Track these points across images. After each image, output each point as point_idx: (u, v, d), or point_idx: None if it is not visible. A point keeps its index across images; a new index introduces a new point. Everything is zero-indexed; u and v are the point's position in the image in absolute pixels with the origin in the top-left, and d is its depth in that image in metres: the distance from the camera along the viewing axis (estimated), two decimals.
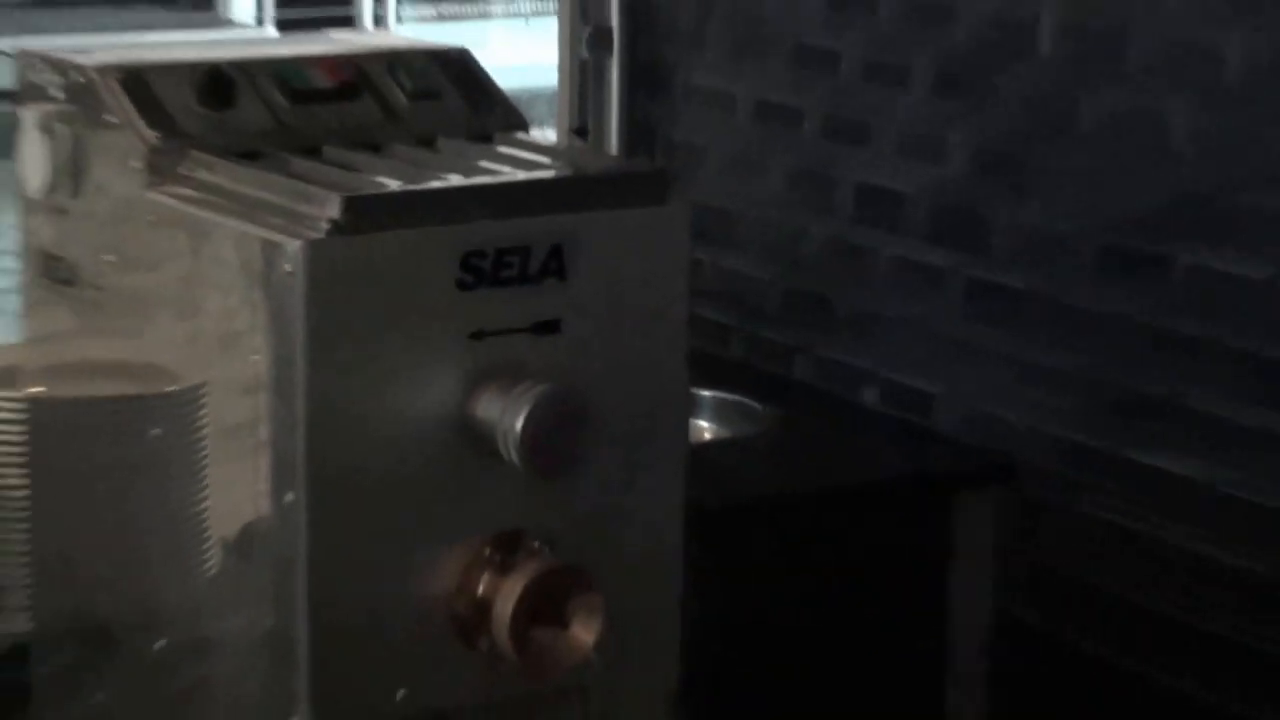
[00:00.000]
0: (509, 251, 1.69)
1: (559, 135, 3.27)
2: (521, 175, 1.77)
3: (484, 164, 1.79)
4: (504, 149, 1.84)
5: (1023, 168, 3.33)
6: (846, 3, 3.61)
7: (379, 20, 6.98)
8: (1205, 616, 3.09)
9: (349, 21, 7.00)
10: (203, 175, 1.76)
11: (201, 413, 1.74)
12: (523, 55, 4.79)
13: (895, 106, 3.54)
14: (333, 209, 1.64)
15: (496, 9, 7.11)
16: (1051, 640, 3.33)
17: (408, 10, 7.22)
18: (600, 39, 4.04)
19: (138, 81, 1.81)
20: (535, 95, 4.45)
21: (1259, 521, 3.01)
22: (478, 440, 1.67)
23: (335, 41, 2.15)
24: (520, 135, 1.88)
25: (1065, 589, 3.31)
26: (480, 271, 1.68)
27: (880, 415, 3.61)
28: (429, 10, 7.25)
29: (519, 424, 1.65)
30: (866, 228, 3.61)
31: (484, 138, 1.87)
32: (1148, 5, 3.12)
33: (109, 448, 1.86)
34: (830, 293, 3.69)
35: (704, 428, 3.58)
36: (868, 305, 3.62)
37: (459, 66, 1.93)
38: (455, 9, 7.11)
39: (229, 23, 6.74)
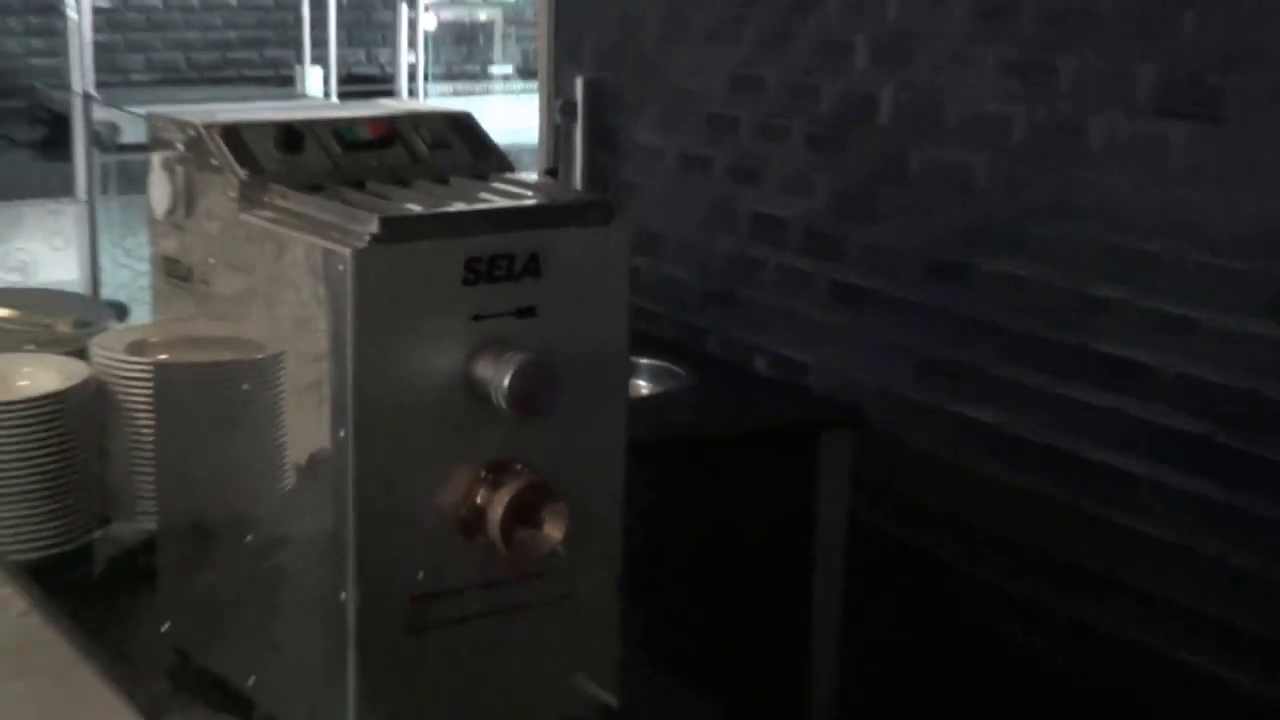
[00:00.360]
0: (500, 257, 1.68)
1: (537, 176, 3.25)
2: (509, 203, 1.76)
3: (482, 195, 1.78)
4: (497, 185, 1.83)
5: (869, 202, 3.34)
6: (743, 84, 3.61)
7: (412, 93, 6.95)
8: (1001, 523, 3.11)
9: (390, 94, 6.98)
10: (280, 202, 1.75)
11: (280, 374, 1.74)
12: (514, 120, 4.78)
13: (778, 158, 3.54)
14: (373, 226, 1.63)
15: (496, 87, 7.09)
16: (890, 539, 3.33)
17: (433, 88, 7.19)
18: (568, 110, 4.04)
19: (233, 135, 1.80)
20: (522, 148, 4.43)
21: (1037, 454, 3.02)
22: (477, 392, 1.67)
23: (378, 107, 2.14)
24: (508, 175, 1.87)
25: (900, 501, 3.32)
26: (479, 271, 1.67)
27: (768, 378, 3.61)
28: (448, 88, 7.22)
29: (506, 381, 1.65)
30: (758, 244, 3.61)
31: (482, 176, 1.86)
32: (957, 87, 3.12)
33: (212, 399, 1.85)
34: (733, 290, 3.69)
35: (641, 385, 3.58)
36: (759, 299, 3.62)
37: (465, 126, 1.92)
38: (467, 86, 7.08)
39: (304, 97, 6.70)
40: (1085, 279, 2.92)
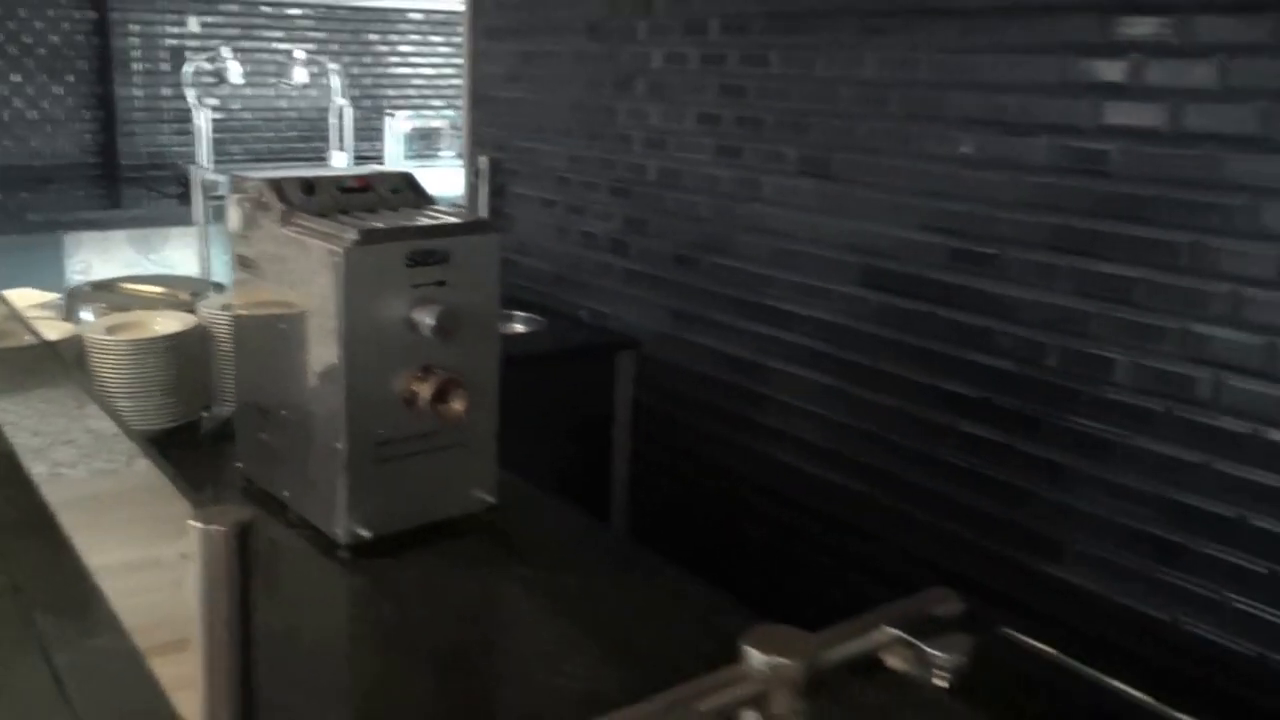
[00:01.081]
0: (428, 251, 1.64)
1: (452, 208, 3.20)
2: (433, 223, 1.72)
3: (418, 218, 1.74)
4: (427, 212, 1.78)
5: (643, 224, 3.32)
6: (575, 160, 3.57)
7: (389, 162, 6.81)
8: (721, 402, 3.12)
9: (380, 162, 6.86)
10: (303, 223, 1.69)
11: (306, 319, 1.68)
12: (452, 182, 4.69)
13: (594, 200, 3.51)
14: (356, 235, 1.58)
15: (442, 164, 6.93)
16: (656, 411, 3.34)
17: (407, 164, 7.02)
18: (479, 174, 3.97)
19: (276, 185, 1.74)
20: (456, 198, 4.35)
21: (739, 363, 3.04)
22: (414, 327, 1.63)
23: (363, 170, 2.08)
24: (434, 207, 1.82)
25: (662, 391, 3.32)
26: (416, 260, 1.63)
27: (587, 323, 3.59)
28: (416, 163, 7.04)
29: (431, 320, 1.61)
30: (583, 250, 3.58)
31: (419, 208, 1.81)
32: (690, 161, 3.11)
33: (267, 334, 1.78)
34: (567, 274, 3.66)
35: (518, 326, 3.54)
36: (582, 279, 3.59)
37: (410, 181, 1.88)
38: (425, 163, 6.91)
39: (330, 166, 6.52)
40: (762, 266, 2.94)
